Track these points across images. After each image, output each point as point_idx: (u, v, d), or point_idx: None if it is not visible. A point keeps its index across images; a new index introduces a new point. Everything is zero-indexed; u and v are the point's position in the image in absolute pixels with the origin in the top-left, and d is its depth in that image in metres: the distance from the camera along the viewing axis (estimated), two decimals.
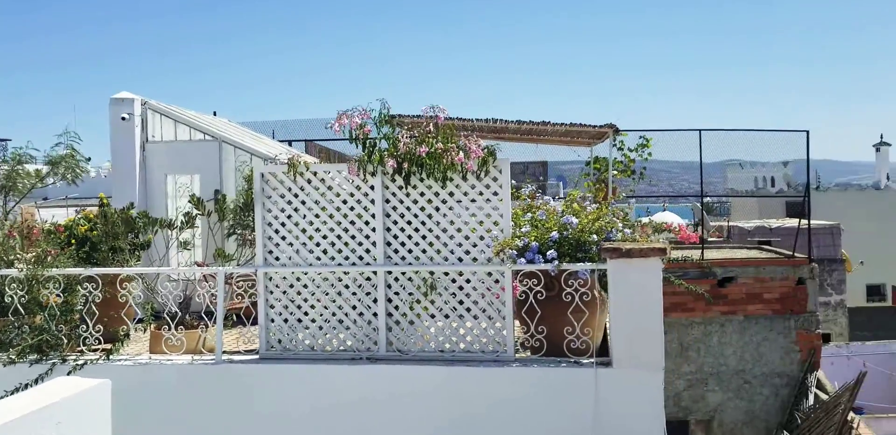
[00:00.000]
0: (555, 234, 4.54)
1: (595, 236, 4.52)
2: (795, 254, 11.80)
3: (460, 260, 4.64)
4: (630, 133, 11.84)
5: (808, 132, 11.59)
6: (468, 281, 4.63)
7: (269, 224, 4.85)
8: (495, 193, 4.62)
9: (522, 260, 4.45)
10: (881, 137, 40.97)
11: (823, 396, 10.60)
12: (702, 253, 11.62)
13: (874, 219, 34.49)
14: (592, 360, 4.37)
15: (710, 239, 24.30)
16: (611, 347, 4.36)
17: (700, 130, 11.67)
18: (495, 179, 4.62)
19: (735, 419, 11.04)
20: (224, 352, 4.87)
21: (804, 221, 12.63)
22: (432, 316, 4.66)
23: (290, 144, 11.36)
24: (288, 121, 15.30)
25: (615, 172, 11.56)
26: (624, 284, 4.27)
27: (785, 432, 10.49)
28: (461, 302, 4.63)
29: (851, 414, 9.67)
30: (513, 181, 4.91)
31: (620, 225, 4.74)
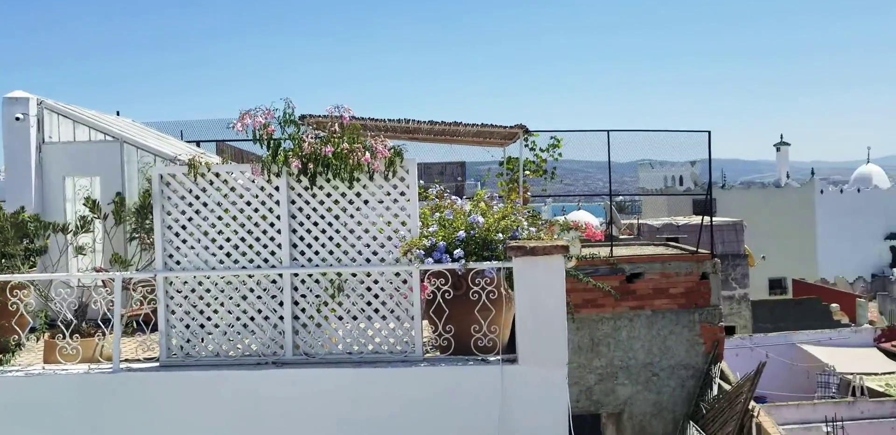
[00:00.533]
0: (462, 233, 4.58)
1: (501, 235, 4.59)
2: (699, 250, 12.25)
3: (368, 261, 4.62)
4: (542, 133, 12.05)
5: (709, 132, 12.05)
6: (376, 282, 4.62)
7: (170, 227, 4.71)
8: (402, 194, 4.62)
9: (430, 260, 4.47)
10: (781, 137, 43.12)
11: (726, 387, 11.06)
12: (611, 250, 11.93)
13: (776, 215, 36.31)
14: (499, 357, 4.43)
15: (621, 237, 25.00)
16: (517, 344, 4.42)
17: (608, 131, 11.99)
18: (402, 180, 4.62)
19: (644, 411, 11.38)
20: (123, 360, 4.70)
21: (708, 218, 13.21)
22: (340, 318, 4.63)
23: (198, 145, 11.07)
24: (197, 121, 14.87)
25: (527, 172, 11.75)
26: (529, 282, 4.34)
27: (691, 423, 10.88)
28: (369, 303, 4.62)
29: (752, 403, 10.13)
30: (421, 181, 4.93)
31: (526, 223, 4.82)
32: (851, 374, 18.13)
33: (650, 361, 11.47)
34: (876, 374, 18.76)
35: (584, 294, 11.43)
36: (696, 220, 26.16)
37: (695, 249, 12.47)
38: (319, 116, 8.57)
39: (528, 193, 10.59)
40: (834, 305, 25.92)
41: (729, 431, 9.82)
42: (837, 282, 31.84)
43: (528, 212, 5.08)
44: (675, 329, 11.56)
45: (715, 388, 11.16)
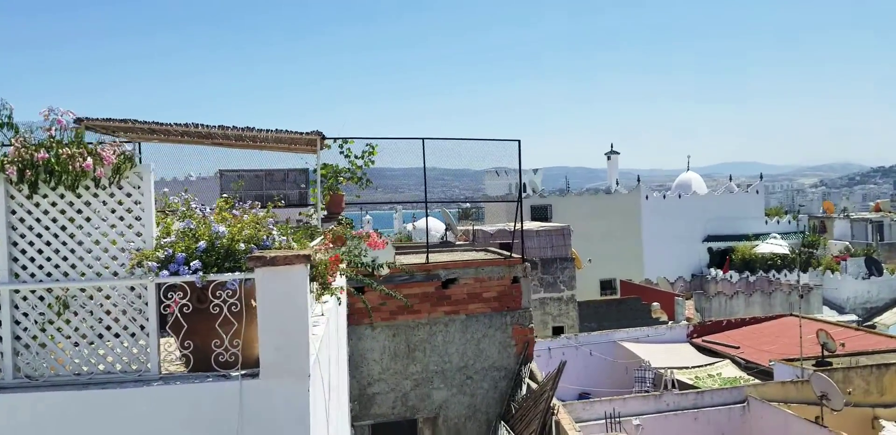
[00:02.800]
0: (202, 243, 4.37)
1: (244, 245, 4.42)
2: (513, 254, 12.62)
3: (99, 275, 4.31)
4: (357, 140, 12.02)
5: (519, 142, 12.43)
6: (108, 297, 4.32)
7: None
8: (137, 202, 4.35)
9: (165, 272, 4.24)
10: (611, 147, 45.62)
11: (535, 386, 11.43)
12: (426, 256, 12.07)
13: (606, 220, 38.34)
14: (239, 372, 4.26)
15: (457, 242, 25.48)
16: (259, 358, 4.28)
17: (423, 139, 12.09)
18: (137, 187, 4.36)
19: (459, 414, 11.57)
20: None
21: (540, 224, 13.76)
22: (68, 337, 4.29)
23: None
24: None
25: (342, 179, 11.67)
26: (271, 293, 4.21)
27: (502, 423, 11.16)
28: (100, 320, 4.31)
29: (555, 401, 10.52)
30: (166, 189, 4.69)
31: (276, 232, 4.69)
32: (664, 368, 19.30)
33: (465, 364, 11.68)
34: (687, 367, 20.08)
35: (399, 301, 11.49)
36: (529, 225, 27.15)
37: (508, 253, 12.85)
38: (100, 119, 8.08)
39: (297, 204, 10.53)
40: (655, 303, 27.61)
41: (533, 429, 10.14)
42: (659, 282, 33.98)
43: (275, 220, 4.90)
44: (489, 332, 11.84)
45: (524, 387, 11.52)
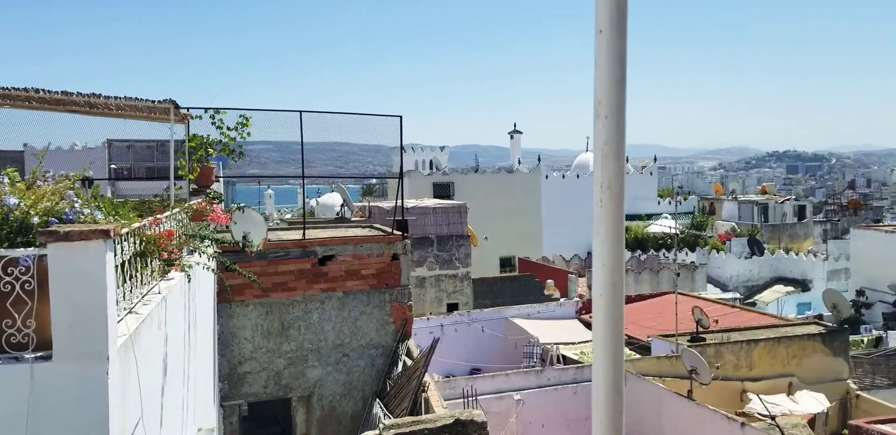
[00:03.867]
0: None
1: (38, 218, 4.11)
2: (393, 232, 12.49)
3: None
4: (231, 112, 11.55)
5: (401, 117, 12.23)
6: None
7: None
8: None
9: None
10: (514, 126, 46.00)
11: (410, 363, 11.41)
12: (303, 233, 11.81)
13: (508, 198, 38.79)
14: (31, 355, 3.97)
15: (353, 218, 25.24)
16: (53, 339, 3.99)
17: (301, 112, 11.74)
18: None
19: (334, 392, 11.44)
20: None
21: (437, 201, 13.65)
22: None
23: None
24: None
25: (212, 151, 11.21)
26: (66, 270, 3.92)
27: (377, 400, 11.11)
28: None
29: (427, 378, 10.52)
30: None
31: (79, 205, 4.37)
32: (551, 344, 19.73)
33: (341, 342, 11.52)
34: (573, 343, 20.58)
35: (274, 278, 11.24)
36: (426, 202, 27.13)
37: (390, 230, 12.73)
38: None
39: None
40: (549, 281, 28.15)
41: (405, 406, 10.12)
42: (555, 260, 34.71)
43: (74, 191, 4.57)
44: (367, 310, 11.71)
45: (401, 365, 11.48)
